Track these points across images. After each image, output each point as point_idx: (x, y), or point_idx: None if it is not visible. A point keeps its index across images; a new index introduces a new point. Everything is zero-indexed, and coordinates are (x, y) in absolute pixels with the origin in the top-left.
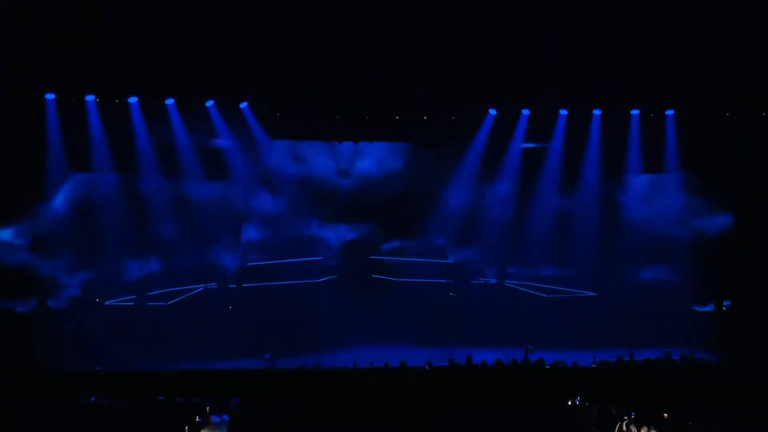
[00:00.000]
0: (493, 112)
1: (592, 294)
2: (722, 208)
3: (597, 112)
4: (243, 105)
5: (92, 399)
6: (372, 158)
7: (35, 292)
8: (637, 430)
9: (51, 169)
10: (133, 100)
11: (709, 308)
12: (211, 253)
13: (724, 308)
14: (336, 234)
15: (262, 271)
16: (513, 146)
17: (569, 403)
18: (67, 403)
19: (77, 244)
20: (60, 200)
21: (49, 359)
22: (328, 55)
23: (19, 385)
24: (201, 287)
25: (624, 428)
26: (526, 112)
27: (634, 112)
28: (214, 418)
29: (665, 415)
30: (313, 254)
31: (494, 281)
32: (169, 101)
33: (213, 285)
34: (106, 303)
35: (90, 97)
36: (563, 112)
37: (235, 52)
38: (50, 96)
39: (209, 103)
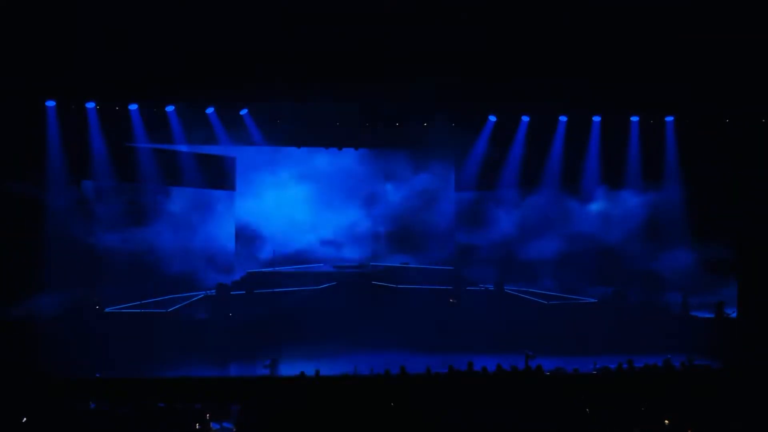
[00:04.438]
0: (492, 119)
1: (592, 300)
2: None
3: (596, 118)
4: (243, 112)
5: (92, 406)
6: (371, 164)
7: (36, 298)
8: None
9: (51, 176)
10: (133, 107)
11: (710, 315)
12: (210, 259)
13: (724, 315)
14: (336, 240)
15: (263, 277)
16: (513, 153)
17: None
18: (67, 410)
19: (78, 250)
20: (61, 206)
21: (49, 366)
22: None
23: (17, 392)
24: (201, 294)
25: None
26: (525, 119)
27: (634, 118)
28: (214, 426)
29: (666, 421)
30: (313, 261)
31: (494, 288)
32: (170, 108)
33: (212, 292)
34: (107, 310)
35: (90, 104)
36: (563, 118)
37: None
38: (51, 103)
39: (209, 110)
